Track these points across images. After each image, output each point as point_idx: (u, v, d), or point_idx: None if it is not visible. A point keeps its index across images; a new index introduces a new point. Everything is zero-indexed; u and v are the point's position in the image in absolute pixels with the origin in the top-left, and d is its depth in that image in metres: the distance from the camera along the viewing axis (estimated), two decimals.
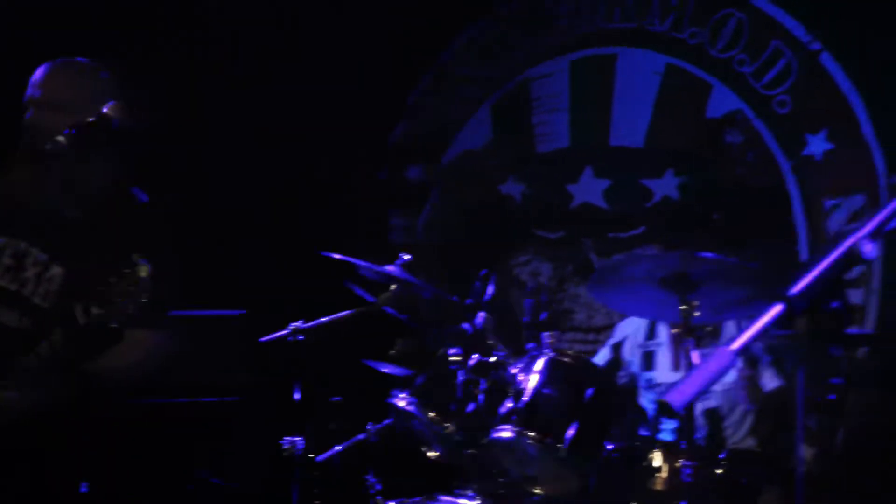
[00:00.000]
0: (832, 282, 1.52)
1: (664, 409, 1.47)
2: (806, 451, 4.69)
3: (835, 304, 1.49)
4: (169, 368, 3.25)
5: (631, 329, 4.56)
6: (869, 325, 4.91)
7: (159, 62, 5.25)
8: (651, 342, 4.55)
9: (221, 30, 5.76)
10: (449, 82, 6.05)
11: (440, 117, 6.06)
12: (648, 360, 4.48)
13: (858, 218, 4.95)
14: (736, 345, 1.53)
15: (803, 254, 5.08)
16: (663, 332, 4.46)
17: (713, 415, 4.17)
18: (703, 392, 1.52)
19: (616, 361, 4.57)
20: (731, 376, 4.18)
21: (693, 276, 3.46)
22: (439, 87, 6.09)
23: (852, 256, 1.54)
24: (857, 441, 4.74)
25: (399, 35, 5.71)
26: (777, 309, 1.54)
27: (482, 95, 5.96)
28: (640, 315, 4.40)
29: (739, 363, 4.19)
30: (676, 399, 1.48)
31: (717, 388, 4.24)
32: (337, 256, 3.77)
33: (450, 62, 6.06)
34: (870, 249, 1.54)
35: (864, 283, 4.90)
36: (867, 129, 4.93)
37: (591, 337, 5.43)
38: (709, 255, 3.48)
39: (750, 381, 4.19)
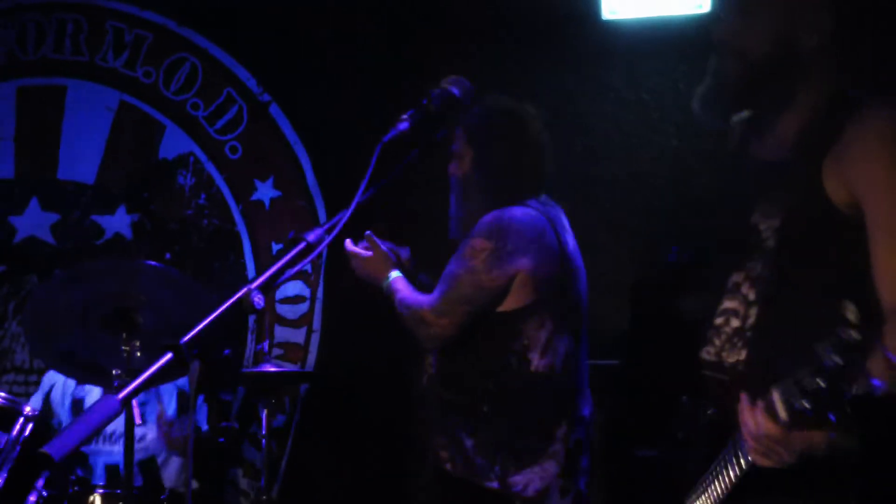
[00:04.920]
0: (224, 330, 1.61)
1: (43, 461, 1.46)
2: (247, 484, 4.86)
3: (227, 352, 1.60)
4: None
5: (60, 376, 4.45)
6: (310, 365, 5.19)
7: None
8: (80, 388, 4.46)
9: None
10: None
11: None
12: (78, 408, 4.39)
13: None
14: (123, 394, 1.56)
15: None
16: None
17: (149, 465, 4.20)
18: (85, 441, 1.53)
19: (47, 409, 4.44)
20: (152, 430, 4.26)
21: (137, 305, 3.43)
22: None
23: (244, 306, 1.66)
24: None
25: None
26: (167, 357, 1.60)
27: None
28: (76, 377, 4.24)
29: (160, 413, 4.27)
30: (56, 449, 1.47)
31: (151, 436, 4.30)
32: None
33: None
34: (259, 300, 1.69)
35: (306, 324, 5.19)
36: (311, 179, 5.26)
37: (32, 379, 5.16)
38: (155, 263, 3.49)
39: (167, 429, 4.27)
